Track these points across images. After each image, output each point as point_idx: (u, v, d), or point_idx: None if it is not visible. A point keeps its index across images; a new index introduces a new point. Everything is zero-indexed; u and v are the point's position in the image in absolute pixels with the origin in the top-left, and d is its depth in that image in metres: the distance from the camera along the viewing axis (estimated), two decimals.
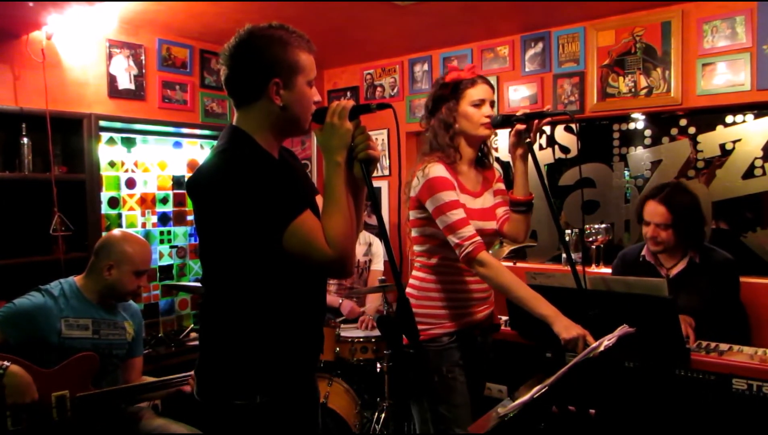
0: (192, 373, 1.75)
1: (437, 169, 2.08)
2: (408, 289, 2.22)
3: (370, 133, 1.53)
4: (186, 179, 4.13)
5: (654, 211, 2.61)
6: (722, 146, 3.27)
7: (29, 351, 2.23)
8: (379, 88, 4.48)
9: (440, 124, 2.15)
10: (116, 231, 2.66)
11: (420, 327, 2.10)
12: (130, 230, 3.71)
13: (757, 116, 3.16)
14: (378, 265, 4.04)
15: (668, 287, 2.50)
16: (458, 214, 2.02)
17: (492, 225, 2.25)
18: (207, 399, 1.55)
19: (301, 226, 1.41)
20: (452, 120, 2.13)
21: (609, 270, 3.36)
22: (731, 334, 2.47)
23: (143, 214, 3.95)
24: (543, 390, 1.34)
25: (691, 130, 3.36)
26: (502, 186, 2.37)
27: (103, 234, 2.92)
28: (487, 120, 2.13)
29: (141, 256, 2.50)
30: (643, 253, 2.77)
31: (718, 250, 2.68)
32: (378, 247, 4.07)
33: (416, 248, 2.23)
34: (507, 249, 3.95)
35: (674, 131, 3.43)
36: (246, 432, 1.51)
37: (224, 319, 1.54)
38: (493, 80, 3.81)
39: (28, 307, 2.29)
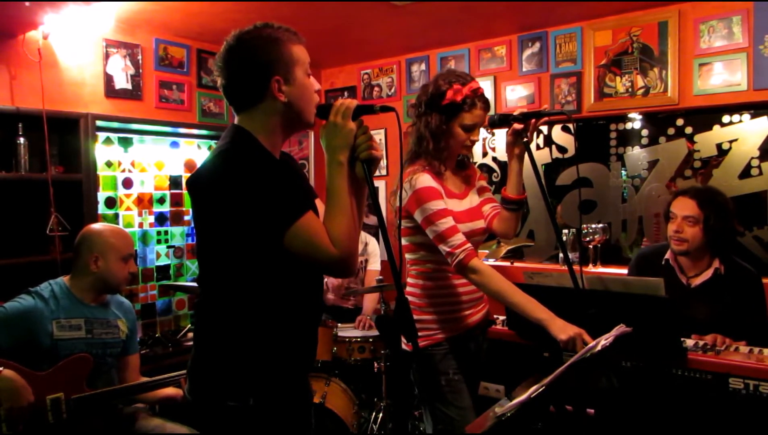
0: (184, 372, 1.75)
1: (424, 179, 2.08)
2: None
3: None
4: (184, 179, 4.14)
5: (683, 204, 2.48)
6: (719, 146, 3.27)
7: (22, 354, 2.21)
8: (376, 88, 4.48)
9: (427, 130, 2.13)
10: (92, 224, 2.63)
11: (422, 334, 2.11)
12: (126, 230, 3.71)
13: (753, 116, 3.17)
14: (375, 264, 4.04)
15: (687, 297, 2.46)
16: (447, 223, 2.03)
17: (480, 224, 2.26)
18: (199, 399, 1.54)
19: (305, 227, 1.41)
20: (440, 132, 2.12)
21: (606, 269, 3.37)
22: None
23: (140, 214, 3.95)
24: (540, 389, 1.34)
25: (688, 129, 3.37)
26: (484, 183, 2.39)
27: None
28: (470, 144, 2.15)
29: (123, 242, 2.49)
30: (666, 256, 2.61)
31: (742, 264, 2.54)
32: (374, 246, 4.07)
33: (408, 256, 2.24)
34: (504, 249, 3.95)
35: (671, 131, 3.43)
36: (238, 433, 1.50)
37: (220, 320, 1.53)
38: (490, 80, 3.86)
39: (18, 311, 2.26)
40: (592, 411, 1.88)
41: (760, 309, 2.47)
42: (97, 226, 2.57)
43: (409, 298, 2.18)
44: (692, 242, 2.45)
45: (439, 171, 2.15)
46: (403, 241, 2.22)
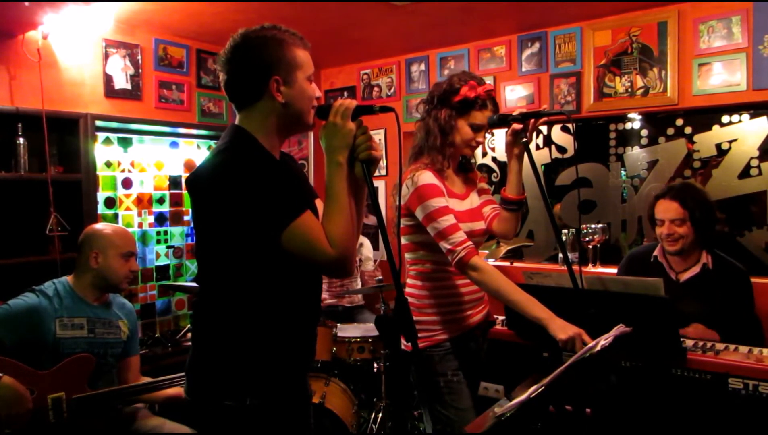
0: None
1: (426, 177, 2.08)
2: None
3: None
4: (183, 179, 4.13)
5: (666, 208, 2.56)
6: (718, 146, 3.28)
7: (24, 352, 2.22)
8: (375, 88, 4.48)
9: (436, 124, 2.15)
10: (95, 224, 2.66)
11: (421, 335, 2.11)
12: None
13: (753, 116, 3.17)
14: (368, 265, 4.04)
15: (676, 292, 2.47)
16: (448, 220, 2.03)
17: (481, 225, 2.26)
18: (197, 398, 1.54)
19: (302, 226, 1.41)
20: (449, 128, 2.13)
21: (605, 269, 3.37)
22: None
23: (140, 214, 3.94)
24: (540, 390, 1.34)
25: (688, 130, 3.37)
26: (485, 185, 2.40)
27: None
28: (476, 145, 2.17)
29: (122, 239, 2.50)
30: (655, 253, 2.68)
31: (730, 260, 2.59)
32: (368, 248, 4.07)
33: (408, 256, 2.23)
34: (504, 249, 3.95)
35: (670, 131, 3.43)
36: (235, 433, 1.50)
37: (217, 319, 1.53)
38: (489, 80, 3.85)
39: (23, 308, 2.27)
40: (590, 411, 1.88)
41: (748, 305, 2.52)
42: (99, 225, 2.60)
43: (408, 298, 2.19)
44: (686, 239, 2.53)
45: (442, 168, 2.15)
46: (403, 241, 2.21)
